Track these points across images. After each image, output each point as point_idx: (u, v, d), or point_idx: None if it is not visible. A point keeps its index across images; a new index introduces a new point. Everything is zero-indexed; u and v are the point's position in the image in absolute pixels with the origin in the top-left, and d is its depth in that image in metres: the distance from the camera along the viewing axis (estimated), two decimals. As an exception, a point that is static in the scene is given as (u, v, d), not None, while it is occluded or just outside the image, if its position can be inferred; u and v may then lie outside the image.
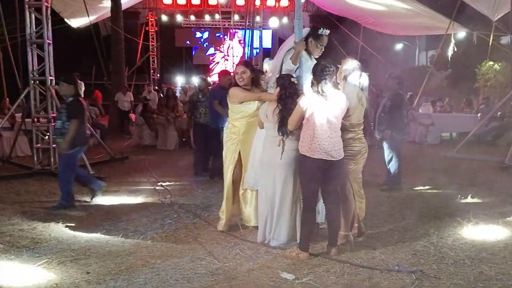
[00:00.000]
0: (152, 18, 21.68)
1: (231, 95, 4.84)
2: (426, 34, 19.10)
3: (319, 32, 4.61)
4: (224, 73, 7.86)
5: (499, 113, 12.34)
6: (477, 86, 16.06)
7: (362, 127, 4.41)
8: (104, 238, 4.66)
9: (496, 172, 8.04)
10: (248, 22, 14.58)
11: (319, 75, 4.02)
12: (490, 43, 14.50)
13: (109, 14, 14.07)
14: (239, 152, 4.84)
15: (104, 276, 3.73)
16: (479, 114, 12.67)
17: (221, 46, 23.95)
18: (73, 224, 5.11)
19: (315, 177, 4.07)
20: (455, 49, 15.11)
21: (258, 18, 18.29)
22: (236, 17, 20.33)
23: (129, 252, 4.27)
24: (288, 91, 4.23)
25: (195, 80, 19.74)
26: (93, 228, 4.96)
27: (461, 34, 16.45)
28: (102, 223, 5.16)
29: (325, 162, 3.99)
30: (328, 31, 4.64)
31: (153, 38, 21.88)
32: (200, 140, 7.93)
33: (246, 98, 4.76)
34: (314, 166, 4.01)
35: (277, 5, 20.57)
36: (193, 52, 25.77)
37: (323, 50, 4.73)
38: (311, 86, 4.07)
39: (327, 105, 3.98)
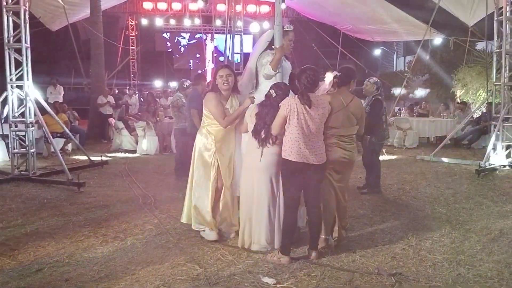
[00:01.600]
0: (132, 22, 21.55)
1: (207, 102, 4.64)
2: (404, 40, 19.44)
3: (285, 29, 4.78)
4: (199, 77, 7.81)
5: (475, 117, 12.59)
6: (453, 91, 16.37)
7: (350, 135, 4.44)
8: (83, 245, 4.60)
9: (472, 175, 8.20)
10: (229, 27, 14.61)
11: (303, 81, 4.07)
12: (466, 49, 14.80)
13: (88, 15, 13.94)
14: (218, 162, 4.67)
15: (84, 283, 3.69)
16: (456, 119, 12.92)
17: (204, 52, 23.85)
18: (51, 231, 5.04)
19: (296, 181, 4.11)
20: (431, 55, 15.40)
21: (239, 23, 18.34)
22: (218, 22, 20.34)
23: (108, 258, 4.23)
24: (270, 102, 4.26)
25: (175, 84, 19.70)
26: (72, 235, 4.89)
27: (438, 39, 16.79)
28: (81, 229, 5.09)
29: (306, 166, 4.03)
30: (292, 26, 4.90)
31: (133, 42, 21.76)
32: (181, 144, 7.86)
33: (220, 116, 4.57)
34: (295, 170, 4.05)
35: (258, 10, 20.67)
36: (174, 56, 25.67)
37: (292, 45, 4.89)
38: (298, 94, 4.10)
39: (308, 110, 4.01)
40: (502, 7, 9.53)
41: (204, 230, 4.77)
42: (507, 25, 9.36)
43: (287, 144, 4.07)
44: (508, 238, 4.82)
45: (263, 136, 4.28)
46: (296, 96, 4.09)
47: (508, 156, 9.44)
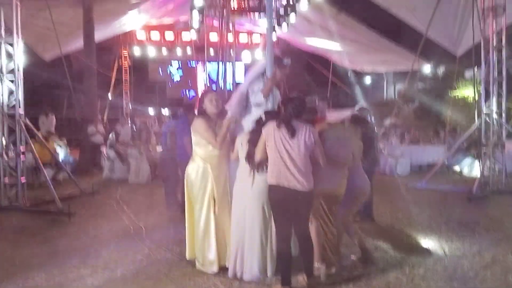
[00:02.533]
0: (125, 52, 21.74)
1: (197, 127, 4.60)
2: (392, 70, 19.77)
3: (284, 63, 4.83)
4: (190, 106, 7.81)
5: (465, 144, 12.70)
6: (443, 118, 16.55)
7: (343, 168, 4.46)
8: (72, 275, 4.54)
9: (463, 202, 8.22)
10: (221, 56, 14.78)
11: (289, 108, 4.10)
12: (455, 77, 15.06)
13: (81, 46, 14.04)
14: (214, 191, 4.61)
15: (73, 315, 3.63)
16: (446, 146, 13.03)
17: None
18: (40, 261, 4.96)
19: (282, 207, 4.06)
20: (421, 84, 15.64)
21: (231, 53, 18.57)
22: (211, 51, 20.56)
23: (96, 290, 4.18)
24: (261, 128, 4.26)
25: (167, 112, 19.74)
26: (61, 265, 4.83)
27: (427, 68, 17.09)
28: (70, 259, 5.03)
29: (290, 192, 3.98)
30: (290, 61, 4.88)
31: (126, 72, 21.90)
32: (171, 173, 7.80)
33: (212, 137, 4.54)
34: (280, 196, 4.03)
35: (249, 41, 20.98)
36: (167, 86, 25.82)
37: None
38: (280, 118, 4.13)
39: (289, 137, 4.00)
40: (488, 37, 9.77)
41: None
42: (494, 53, 9.57)
43: (270, 169, 4.09)
44: (501, 265, 4.81)
45: (256, 163, 4.29)
46: (278, 122, 4.09)
47: (498, 182, 9.51)
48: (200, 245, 4.63)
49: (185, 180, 4.76)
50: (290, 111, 4.10)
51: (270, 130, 4.06)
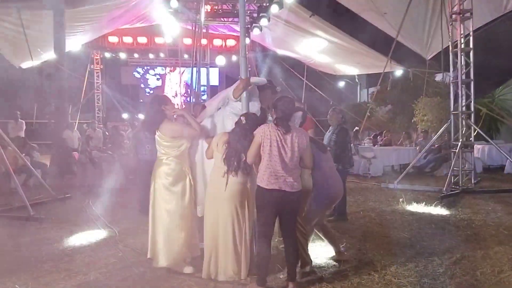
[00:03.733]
0: (97, 56, 21.48)
1: (173, 127, 4.66)
2: (365, 73, 20.06)
3: (277, 89, 4.99)
4: None
5: (436, 145, 12.99)
6: (415, 121, 16.87)
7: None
8: (45, 280, 4.46)
9: (434, 201, 8.40)
10: (195, 60, 14.77)
11: (280, 109, 4.11)
12: (425, 80, 15.37)
13: (52, 55, 13.79)
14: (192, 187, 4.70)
15: (44, 319, 3.56)
16: (418, 147, 13.30)
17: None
18: (11, 267, 4.85)
19: (270, 209, 4.06)
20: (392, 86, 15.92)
21: (205, 57, 18.59)
22: (185, 56, 20.51)
23: (71, 294, 4.12)
24: (240, 129, 4.30)
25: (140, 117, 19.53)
26: (34, 270, 4.74)
27: (399, 71, 17.41)
28: (42, 264, 4.94)
29: (279, 193, 4.00)
30: (280, 89, 5.12)
31: (98, 76, 21.64)
32: (145, 177, 7.72)
33: (192, 129, 4.65)
34: (269, 197, 4.02)
35: (223, 44, 21.00)
36: (140, 89, 25.59)
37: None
38: (273, 121, 4.15)
39: (283, 137, 4.03)
40: (456, 40, 10.04)
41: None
42: (462, 56, 9.83)
43: (261, 170, 4.07)
44: (470, 260, 4.94)
45: (235, 164, 4.29)
46: (271, 123, 4.12)
47: (468, 182, 9.76)
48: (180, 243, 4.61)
49: (156, 182, 4.71)
50: (282, 111, 4.10)
51: (266, 132, 4.04)
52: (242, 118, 4.33)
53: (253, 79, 4.85)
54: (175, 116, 4.79)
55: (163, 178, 4.65)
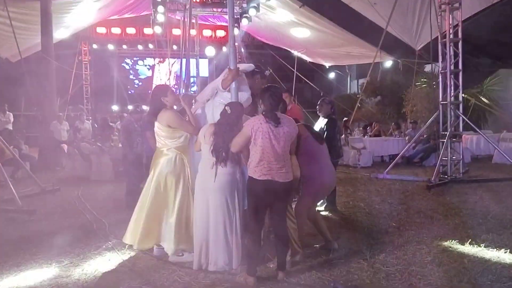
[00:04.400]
0: (85, 47, 21.27)
1: (171, 119, 4.68)
2: (355, 63, 20.11)
3: (265, 73, 5.02)
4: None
5: (425, 135, 13.08)
6: (404, 111, 16.97)
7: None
8: (35, 272, 4.44)
9: (423, 191, 8.48)
10: (184, 51, 14.69)
11: (268, 99, 4.09)
12: (415, 71, 15.45)
13: (39, 47, 13.62)
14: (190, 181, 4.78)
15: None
16: (407, 138, 13.39)
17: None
18: (1, 260, 4.82)
19: (261, 200, 4.07)
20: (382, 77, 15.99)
21: (195, 47, 18.46)
22: (174, 47, 20.38)
23: (61, 285, 4.10)
24: (227, 119, 4.29)
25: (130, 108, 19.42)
26: (23, 263, 4.72)
27: (388, 62, 17.48)
28: (32, 257, 4.91)
29: (271, 184, 4.01)
30: (269, 72, 5.05)
31: (86, 67, 21.44)
32: (135, 170, 7.66)
33: (189, 124, 4.73)
34: (261, 188, 4.02)
35: (213, 35, 20.91)
36: (129, 80, 25.43)
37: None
38: (262, 112, 4.13)
39: (273, 129, 4.01)
40: (445, 31, 10.08)
41: (182, 255, 4.74)
42: (451, 47, 9.88)
43: (252, 162, 4.06)
44: (457, 249, 5.00)
45: (223, 155, 4.29)
46: (261, 115, 4.09)
47: (456, 171, 9.85)
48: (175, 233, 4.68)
49: (154, 172, 4.76)
50: (270, 102, 4.08)
51: (257, 126, 4.01)
52: (226, 108, 4.33)
53: (241, 66, 4.84)
54: (175, 107, 4.82)
55: (162, 168, 4.72)
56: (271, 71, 5.06)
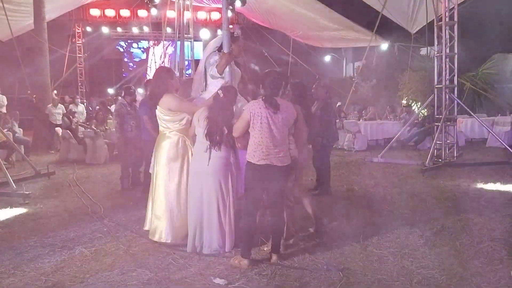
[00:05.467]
0: (78, 29, 21.04)
1: (173, 102, 4.64)
2: (351, 46, 20.01)
3: (235, 35, 4.88)
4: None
5: (419, 119, 13.11)
6: (399, 95, 16.98)
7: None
8: (29, 255, 4.46)
9: (417, 174, 8.52)
10: (179, 34, 14.55)
11: (268, 85, 4.09)
12: (410, 54, 15.43)
13: (32, 27, 13.47)
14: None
15: (29, 293, 3.58)
16: (402, 121, 13.40)
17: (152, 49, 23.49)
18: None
19: (259, 184, 4.09)
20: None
21: (189, 30, 18.28)
22: (168, 29, 20.18)
23: (56, 268, 4.13)
24: (219, 103, 4.28)
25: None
26: (17, 246, 4.73)
27: (384, 46, 17.41)
28: (27, 240, 4.93)
29: (270, 168, 4.02)
30: (240, 32, 4.96)
31: (80, 50, 21.23)
32: (129, 153, 7.63)
33: (193, 106, 4.70)
34: (260, 173, 4.03)
35: (208, 17, 20.71)
36: (123, 63, 25.25)
37: (242, 51, 5.02)
38: (262, 97, 4.10)
39: (272, 114, 4.01)
40: (441, 14, 10.03)
41: None
42: (446, 30, 9.84)
43: (251, 147, 4.07)
44: (449, 231, 5.04)
45: (217, 138, 4.29)
46: (260, 100, 4.08)
47: (450, 155, 9.91)
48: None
49: (158, 156, 4.75)
50: (271, 87, 4.08)
51: (256, 110, 4.01)
52: (219, 91, 4.33)
53: (216, 42, 4.83)
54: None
55: (165, 152, 4.71)
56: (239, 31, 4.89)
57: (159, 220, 4.71)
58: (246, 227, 4.17)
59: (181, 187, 4.69)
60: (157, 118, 4.82)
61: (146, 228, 4.96)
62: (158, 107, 4.73)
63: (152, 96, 4.90)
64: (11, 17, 12.31)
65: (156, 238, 4.71)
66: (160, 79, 4.77)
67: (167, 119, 4.72)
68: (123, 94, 7.87)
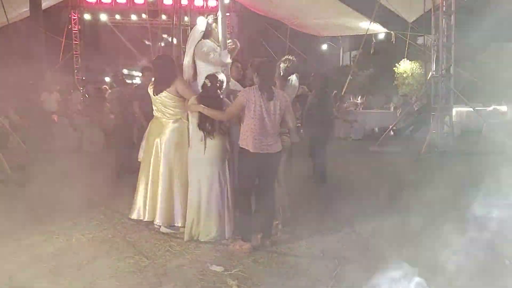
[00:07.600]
0: (75, 16, 20.83)
1: (182, 89, 4.66)
2: (348, 34, 19.92)
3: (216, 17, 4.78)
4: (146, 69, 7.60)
5: (416, 108, 13.13)
6: (396, 84, 16.97)
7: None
8: (26, 243, 4.47)
9: (413, 163, 8.55)
10: (176, 21, 14.48)
11: (263, 72, 4.11)
12: (407, 43, 15.40)
13: (27, 14, 13.34)
14: None
15: (27, 280, 3.59)
16: (398, 110, 13.43)
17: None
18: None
19: (253, 171, 4.15)
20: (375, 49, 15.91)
21: (186, 18, 18.17)
22: (164, 16, 20.06)
23: (53, 255, 4.14)
24: (209, 92, 4.30)
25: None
26: (14, 233, 4.72)
27: (381, 34, 17.36)
28: (23, 227, 4.92)
29: (263, 156, 4.06)
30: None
31: (76, 37, 21.04)
32: (124, 141, 7.65)
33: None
34: (252, 160, 4.08)
35: (205, 5, 20.53)
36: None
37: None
38: (257, 86, 4.11)
39: (268, 101, 4.04)
40: (439, 3, 10.00)
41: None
42: (444, 19, 9.82)
43: (243, 134, 4.10)
44: (445, 218, 5.07)
45: (209, 128, 4.31)
46: (256, 87, 4.11)
47: (446, 144, 9.95)
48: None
49: (161, 143, 4.73)
50: (264, 75, 4.11)
51: (251, 97, 4.04)
52: (206, 81, 4.35)
53: (200, 27, 4.78)
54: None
55: (168, 138, 4.72)
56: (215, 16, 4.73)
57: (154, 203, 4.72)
58: (242, 212, 4.26)
59: (178, 171, 4.70)
60: (161, 104, 4.74)
61: (133, 216, 4.90)
62: (165, 93, 4.66)
63: (159, 82, 4.80)
64: (6, 3, 12.19)
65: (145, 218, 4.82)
66: (170, 65, 4.77)
67: (174, 104, 4.69)
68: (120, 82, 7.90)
